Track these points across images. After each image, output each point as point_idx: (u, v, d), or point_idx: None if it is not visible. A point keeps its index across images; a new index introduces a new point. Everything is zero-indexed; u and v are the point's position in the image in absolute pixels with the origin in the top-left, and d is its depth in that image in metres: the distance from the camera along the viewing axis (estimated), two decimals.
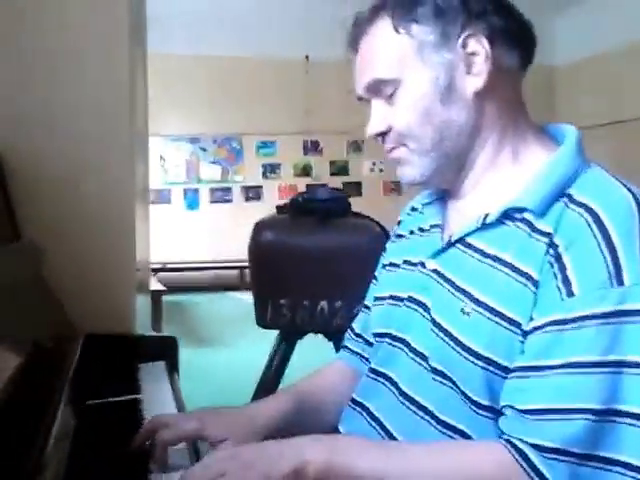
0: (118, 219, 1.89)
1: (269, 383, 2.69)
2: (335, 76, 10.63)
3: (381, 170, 11.54)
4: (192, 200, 11.08)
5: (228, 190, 11.19)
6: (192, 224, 10.88)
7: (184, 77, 9.87)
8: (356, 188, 11.01)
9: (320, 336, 2.74)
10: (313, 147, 11.39)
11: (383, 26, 1.10)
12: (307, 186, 9.55)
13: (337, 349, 1.50)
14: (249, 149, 11.21)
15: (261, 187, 11.25)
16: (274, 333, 2.89)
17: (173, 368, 1.74)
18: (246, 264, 8.70)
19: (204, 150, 11.07)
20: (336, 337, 2.54)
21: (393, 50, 1.09)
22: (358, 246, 2.53)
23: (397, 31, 1.08)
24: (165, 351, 1.77)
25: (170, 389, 1.53)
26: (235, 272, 10.47)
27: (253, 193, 11.22)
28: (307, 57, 10.83)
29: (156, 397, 1.46)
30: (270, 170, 11.29)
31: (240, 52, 10.25)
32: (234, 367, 5.19)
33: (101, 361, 1.57)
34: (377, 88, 1.12)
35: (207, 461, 0.96)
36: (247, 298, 9.28)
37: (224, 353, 5.88)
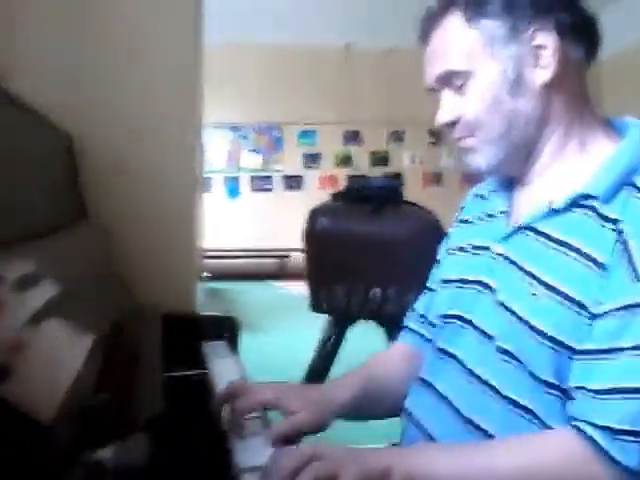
0: (180, 206, 1.96)
1: (320, 369, 2.76)
2: (376, 65, 10.76)
3: (421, 162, 11.54)
4: (233, 188, 11.14)
5: (268, 179, 11.24)
6: (233, 212, 10.93)
7: (226, 66, 9.90)
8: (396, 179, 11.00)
9: (371, 323, 2.79)
10: (353, 137, 11.41)
11: (454, 20, 1.15)
12: (348, 177, 9.58)
13: (389, 336, 1.55)
14: (290, 138, 11.24)
15: (302, 177, 11.29)
16: (313, 321, 2.94)
17: (234, 347, 1.81)
18: (286, 253, 8.78)
19: (245, 138, 11.13)
20: (388, 324, 2.60)
21: (464, 43, 1.14)
22: (412, 234, 2.57)
23: (468, 25, 1.13)
24: (226, 331, 1.85)
25: (234, 365, 1.61)
26: (275, 261, 10.53)
27: (293, 182, 11.26)
28: (348, 46, 10.83)
29: (221, 372, 1.53)
30: (310, 160, 11.32)
31: (281, 41, 10.25)
32: (274, 354, 5.24)
33: (168, 339, 1.64)
34: (448, 79, 1.17)
35: (304, 447, 1.03)
36: (286, 287, 9.39)
37: (263, 340, 5.94)
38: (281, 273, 10.33)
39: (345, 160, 11.34)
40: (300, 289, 2.93)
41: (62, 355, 0.79)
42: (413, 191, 2.75)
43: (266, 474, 0.98)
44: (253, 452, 1.11)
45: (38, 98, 1.33)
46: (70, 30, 1.83)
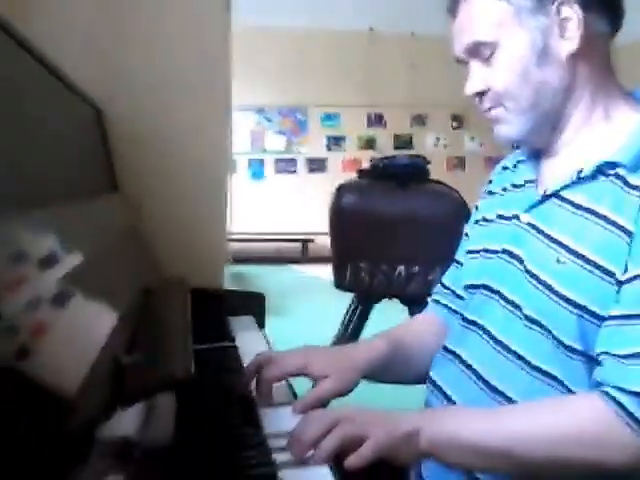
0: (211, 184, 1.96)
1: None
2: (399, 48, 10.74)
3: (445, 145, 11.51)
4: (257, 170, 11.17)
5: (292, 161, 11.25)
6: (257, 195, 10.95)
7: (250, 48, 9.89)
8: None
9: (395, 301, 2.81)
10: (377, 120, 11.40)
11: None
12: (372, 159, 9.58)
13: (412, 315, 1.57)
14: (314, 121, 11.25)
15: (325, 159, 11.30)
16: (337, 304, 2.95)
17: (260, 322, 1.84)
18: (309, 237, 8.77)
19: (269, 120, 11.14)
20: (412, 303, 2.62)
21: (492, 14, 1.16)
22: (437, 212, 2.59)
23: None
24: (253, 306, 1.87)
25: (262, 338, 1.63)
26: (298, 245, 10.53)
27: (317, 165, 11.27)
28: (371, 29, 10.81)
29: (250, 345, 1.55)
30: (334, 142, 11.33)
31: (304, 24, 10.26)
32: (297, 337, 5.27)
33: (197, 313, 1.67)
34: (476, 50, 1.18)
35: (335, 409, 1.06)
36: (310, 271, 9.39)
37: (286, 322, 5.98)
38: (303, 258, 10.35)
39: (369, 143, 11.34)
40: (323, 272, 2.94)
41: (86, 332, 0.80)
42: (437, 175, 2.75)
43: (294, 438, 1.00)
44: (281, 419, 1.13)
45: (68, 67, 1.34)
46: (106, 5, 1.84)
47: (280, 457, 0.98)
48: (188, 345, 0.95)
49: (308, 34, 10.55)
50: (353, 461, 0.96)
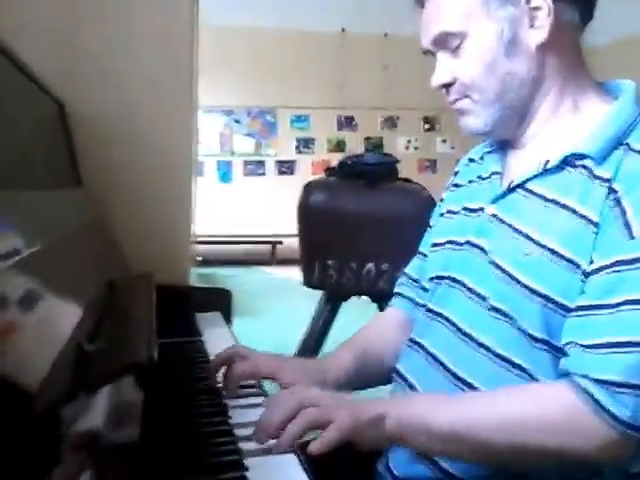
0: (175, 183, 1.96)
1: (312, 344, 2.79)
2: (372, 50, 10.76)
3: (416, 147, 11.56)
4: (225, 173, 11.15)
5: (261, 164, 11.25)
6: (225, 197, 10.93)
7: (219, 48, 9.86)
8: None
9: (364, 299, 2.82)
10: (347, 122, 11.42)
11: None
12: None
13: (382, 312, 1.57)
14: (283, 123, 11.25)
15: (295, 161, 11.30)
16: (306, 306, 2.96)
17: (228, 318, 1.84)
18: (278, 239, 8.75)
19: (238, 122, 11.12)
20: (381, 300, 2.62)
21: (460, 4, 1.15)
22: (406, 210, 2.61)
23: None
24: (220, 302, 1.88)
25: (228, 333, 1.63)
26: (267, 247, 10.54)
27: (286, 167, 11.27)
28: (343, 30, 10.83)
29: (216, 339, 1.56)
30: (304, 144, 11.34)
31: (275, 24, 10.23)
32: (266, 338, 5.26)
33: (163, 309, 1.67)
34: (443, 41, 1.18)
35: (301, 392, 1.07)
36: (278, 273, 9.37)
37: (254, 323, 5.97)
38: (272, 260, 10.36)
39: (339, 145, 11.36)
40: (293, 274, 2.95)
41: (49, 323, 0.80)
42: (408, 177, 2.77)
43: (260, 424, 1.01)
44: (247, 409, 1.14)
45: (32, 62, 1.33)
46: None
47: (247, 445, 0.99)
48: (151, 333, 0.95)
49: (279, 34, 10.53)
50: (316, 446, 0.97)
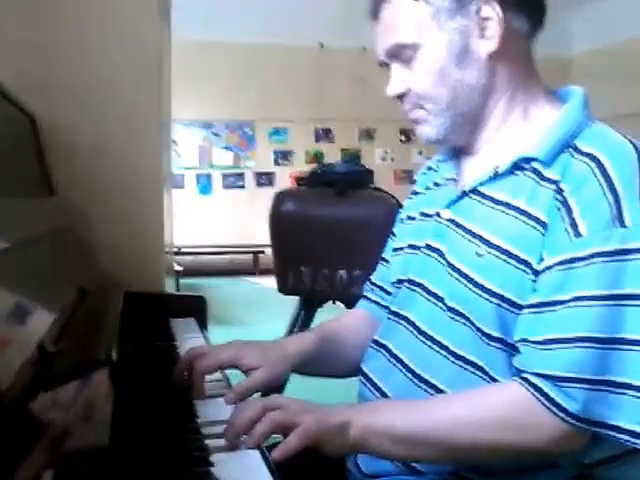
0: (148, 197, 1.97)
1: None
2: (348, 64, 10.80)
3: (392, 159, 11.61)
4: (205, 185, 11.16)
5: (240, 176, 11.28)
6: (205, 209, 10.95)
7: (198, 63, 9.89)
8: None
9: (339, 305, 2.84)
10: (325, 134, 11.46)
11: None
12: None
13: None
14: (261, 135, 11.28)
15: (273, 173, 11.33)
16: (288, 314, 2.98)
17: (202, 324, 1.85)
18: (260, 249, 8.73)
19: (217, 135, 11.15)
20: (354, 305, 2.64)
21: (412, 17, 1.17)
22: (376, 217, 2.61)
23: None
24: (195, 309, 1.89)
25: (202, 338, 1.65)
26: (249, 257, 10.57)
27: (265, 179, 11.30)
28: (321, 44, 10.87)
29: (189, 345, 1.57)
30: (282, 157, 11.37)
31: (254, 39, 10.29)
32: None
33: (137, 316, 1.67)
34: (397, 52, 1.20)
35: (270, 397, 1.08)
36: (260, 282, 9.36)
37: (238, 332, 5.97)
38: (255, 269, 10.36)
39: (316, 157, 11.39)
40: (274, 284, 2.96)
41: (16, 326, 0.82)
42: (385, 188, 2.80)
43: (229, 425, 1.02)
44: (215, 409, 1.15)
45: (4, 76, 1.34)
46: (40, 11, 1.83)
47: (214, 443, 1.00)
48: (113, 335, 0.97)
49: (257, 49, 10.58)
50: (279, 452, 0.98)
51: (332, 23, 9.86)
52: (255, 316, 6.91)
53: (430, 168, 1.43)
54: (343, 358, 1.41)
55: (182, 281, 6.83)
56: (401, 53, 1.20)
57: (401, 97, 1.24)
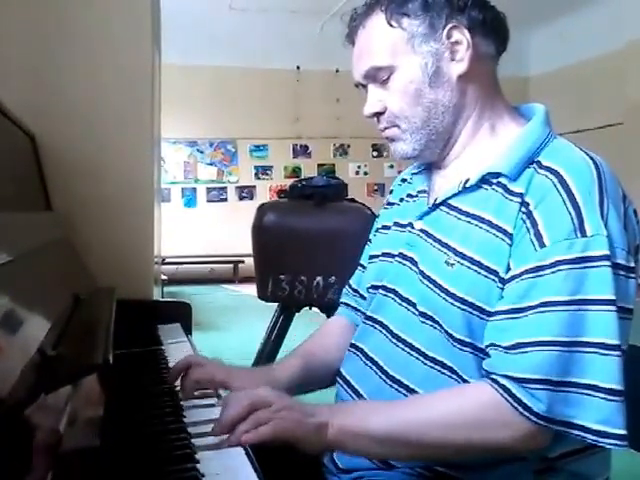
0: (139, 211, 1.96)
1: (268, 353, 2.80)
2: (324, 85, 10.87)
3: (365, 173, 11.67)
4: (190, 199, 11.18)
5: (223, 190, 11.30)
6: (190, 221, 10.95)
7: (183, 86, 9.91)
8: None
9: (315, 310, 2.85)
10: (302, 150, 11.50)
11: (377, 20, 1.19)
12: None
13: None
14: (243, 152, 11.32)
15: (254, 187, 11.37)
16: (265, 320, 2.98)
17: (187, 329, 1.84)
18: (240, 259, 8.74)
19: (201, 152, 11.19)
20: (330, 311, 2.65)
21: (387, 41, 1.18)
22: (350, 226, 2.64)
23: (390, 25, 1.17)
24: (181, 314, 1.88)
25: (187, 342, 1.64)
26: (229, 266, 10.58)
27: (246, 192, 11.34)
28: (298, 67, 10.93)
29: (175, 348, 1.57)
30: (262, 171, 11.41)
31: (236, 63, 10.40)
32: (227, 350, 5.24)
33: (128, 322, 1.66)
34: (373, 74, 1.21)
35: (255, 391, 1.08)
36: (241, 290, 9.35)
37: (218, 336, 5.96)
38: (235, 278, 10.36)
39: (294, 171, 11.43)
40: (253, 291, 2.96)
41: (17, 333, 0.81)
42: (359, 200, 2.83)
43: (218, 421, 1.02)
44: (201, 409, 1.16)
45: (6, 97, 1.34)
46: (37, 32, 1.83)
47: (199, 441, 1.00)
48: (109, 339, 0.96)
49: (239, 73, 10.67)
50: (247, 436, 0.98)
51: (307, 48, 9.95)
52: (234, 321, 6.90)
53: (404, 180, 1.43)
54: (328, 374, 1.39)
55: (167, 289, 6.80)
56: (377, 75, 1.20)
57: (378, 116, 1.24)
